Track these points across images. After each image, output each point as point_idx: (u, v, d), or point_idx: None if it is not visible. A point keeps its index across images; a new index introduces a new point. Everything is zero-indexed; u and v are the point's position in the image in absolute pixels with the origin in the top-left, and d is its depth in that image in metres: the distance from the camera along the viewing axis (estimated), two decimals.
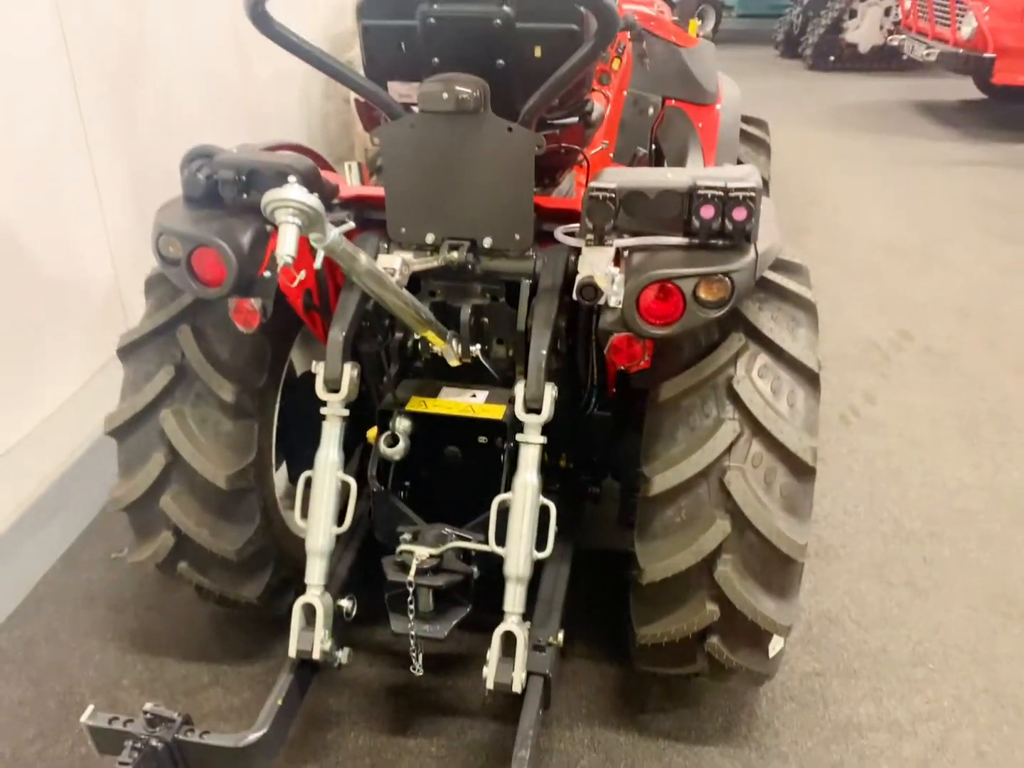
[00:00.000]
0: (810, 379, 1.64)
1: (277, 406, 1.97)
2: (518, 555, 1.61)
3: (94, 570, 2.42)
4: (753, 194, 1.46)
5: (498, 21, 1.62)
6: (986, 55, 6.80)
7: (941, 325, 3.88)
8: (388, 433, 1.78)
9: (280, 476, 2.08)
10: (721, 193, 1.46)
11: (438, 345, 1.73)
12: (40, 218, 2.44)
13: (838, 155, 6.81)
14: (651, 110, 3.12)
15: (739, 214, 1.46)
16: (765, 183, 3.34)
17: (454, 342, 1.75)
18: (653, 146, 3.21)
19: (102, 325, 2.73)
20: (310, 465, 1.75)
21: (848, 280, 4.37)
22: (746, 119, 3.44)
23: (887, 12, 10.00)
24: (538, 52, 1.67)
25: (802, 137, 7.23)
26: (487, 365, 1.82)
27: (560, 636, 1.76)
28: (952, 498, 2.71)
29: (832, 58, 10.33)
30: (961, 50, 7.07)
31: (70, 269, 2.60)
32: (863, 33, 10.23)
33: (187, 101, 3.23)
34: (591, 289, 1.52)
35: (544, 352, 1.64)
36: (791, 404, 1.61)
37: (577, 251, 1.62)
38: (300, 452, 1.98)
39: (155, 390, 1.78)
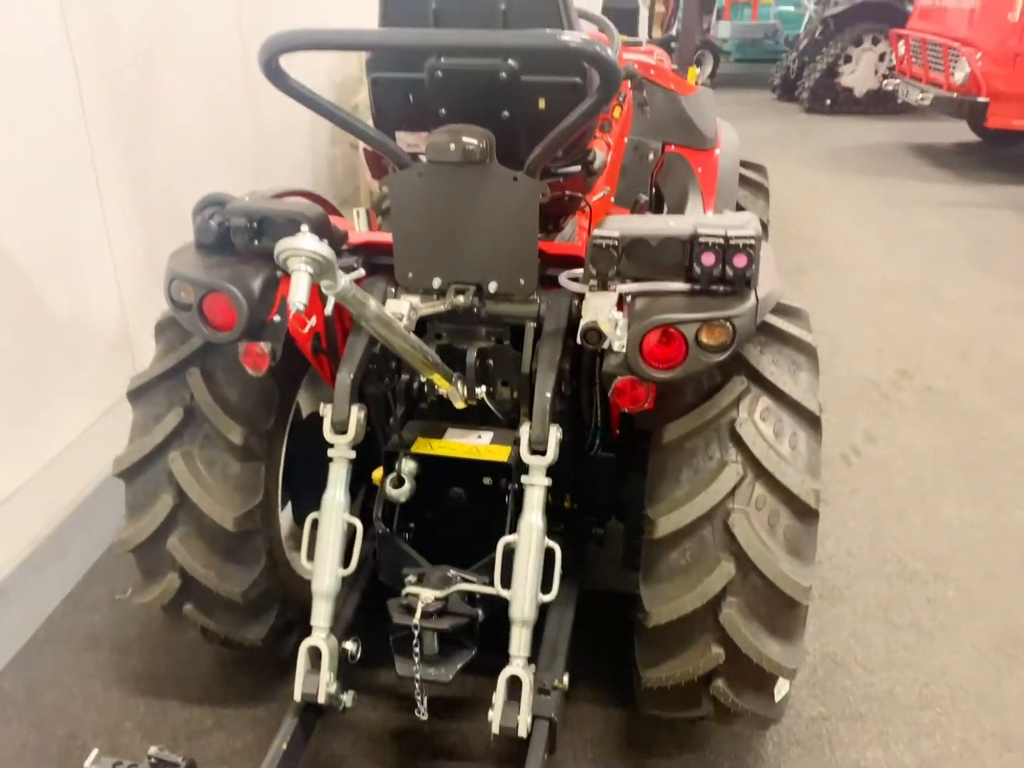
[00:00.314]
0: (811, 422, 1.66)
1: (284, 447, 2.00)
2: (523, 598, 1.61)
3: (97, 612, 2.42)
4: (753, 242, 1.50)
5: (503, 74, 1.67)
6: (980, 99, 6.92)
7: (940, 364, 3.91)
8: (394, 475, 1.80)
9: (285, 516, 2.09)
10: (722, 241, 1.50)
11: (444, 387, 1.75)
12: (50, 259, 2.48)
13: (835, 196, 6.91)
14: (651, 155, 3.18)
15: (739, 261, 1.50)
16: (764, 226, 3.40)
17: (459, 384, 1.78)
18: (653, 190, 3.27)
19: (109, 367, 2.76)
20: (315, 505, 1.76)
21: (847, 319, 4.41)
22: (745, 164, 3.51)
23: (881, 57, 10.22)
24: (542, 104, 1.72)
25: (800, 178, 7.34)
26: (492, 407, 1.85)
27: (565, 679, 1.76)
28: (956, 538, 2.71)
29: (828, 101, 10.52)
30: (955, 94, 7.20)
31: (79, 311, 2.63)
32: (858, 77, 10.44)
33: (196, 145, 3.30)
34: (595, 333, 1.55)
35: (548, 395, 1.67)
36: (793, 447, 1.63)
37: (581, 295, 1.65)
38: (305, 492, 2.00)
39: (164, 432, 1.80)
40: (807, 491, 1.59)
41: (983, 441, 3.26)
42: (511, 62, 1.65)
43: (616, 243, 1.55)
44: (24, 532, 2.37)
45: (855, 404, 3.55)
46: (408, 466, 1.81)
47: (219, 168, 3.51)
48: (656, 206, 3.36)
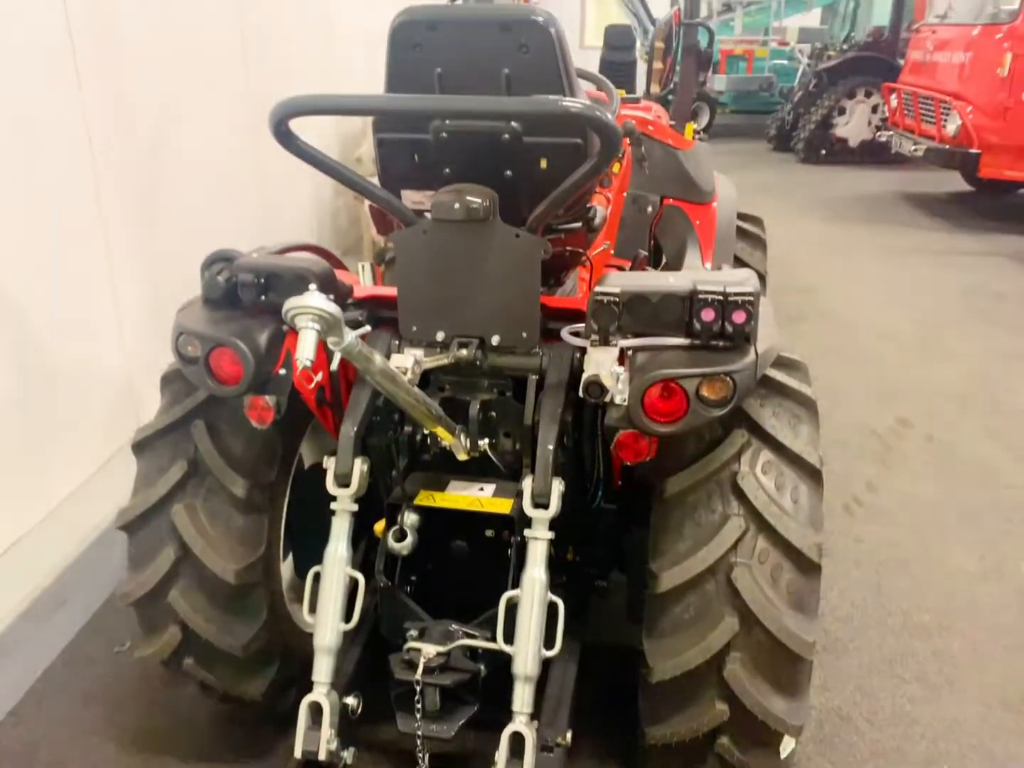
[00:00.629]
0: (812, 475, 1.67)
1: (286, 498, 2.00)
2: (526, 654, 1.60)
3: (96, 665, 2.40)
4: (752, 298, 1.52)
5: (506, 136, 1.71)
6: (972, 151, 7.06)
7: (941, 413, 3.93)
8: (396, 528, 1.80)
9: (286, 567, 2.08)
10: (721, 297, 1.52)
11: (447, 440, 1.77)
12: (55, 309, 2.51)
13: (832, 244, 6.99)
14: (650, 208, 3.24)
15: (739, 317, 1.52)
16: (762, 277, 3.45)
17: (462, 436, 1.79)
18: (652, 243, 3.33)
19: (113, 417, 2.77)
20: (316, 556, 1.76)
21: (847, 368, 4.43)
22: (742, 216, 3.56)
23: (874, 109, 10.44)
24: (544, 164, 1.76)
25: (797, 227, 7.45)
26: (494, 459, 1.85)
27: (568, 736, 1.74)
28: (960, 590, 2.70)
29: (823, 152, 10.72)
30: (947, 146, 7.34)
31: (83, 360, 2.66)
32: (852, 129, 10.65)
33: (204, 197, 3.36)
34: (597, 387, 1.57)
35: (551, 447, 1.68)
36: (795, 500, 1.64)
37: (582, 349, 1.67)
38: (307, 543, 2.00)
39: (168, 484, 1.81)
40: (809, 545, 1.59)
41: (985, 491, 3.25)
42: (514, 124, 1.69)
43: (617, 299, 1.58)
44: (23, 583, 2.36)
45: (856, 453, 3.55)
46: (410, 518, 1.82)
47: (225, 219, 3.57)
48: (655, 258, 3.41)
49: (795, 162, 10.91)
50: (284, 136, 1.58)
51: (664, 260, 3.39)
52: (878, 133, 9.45)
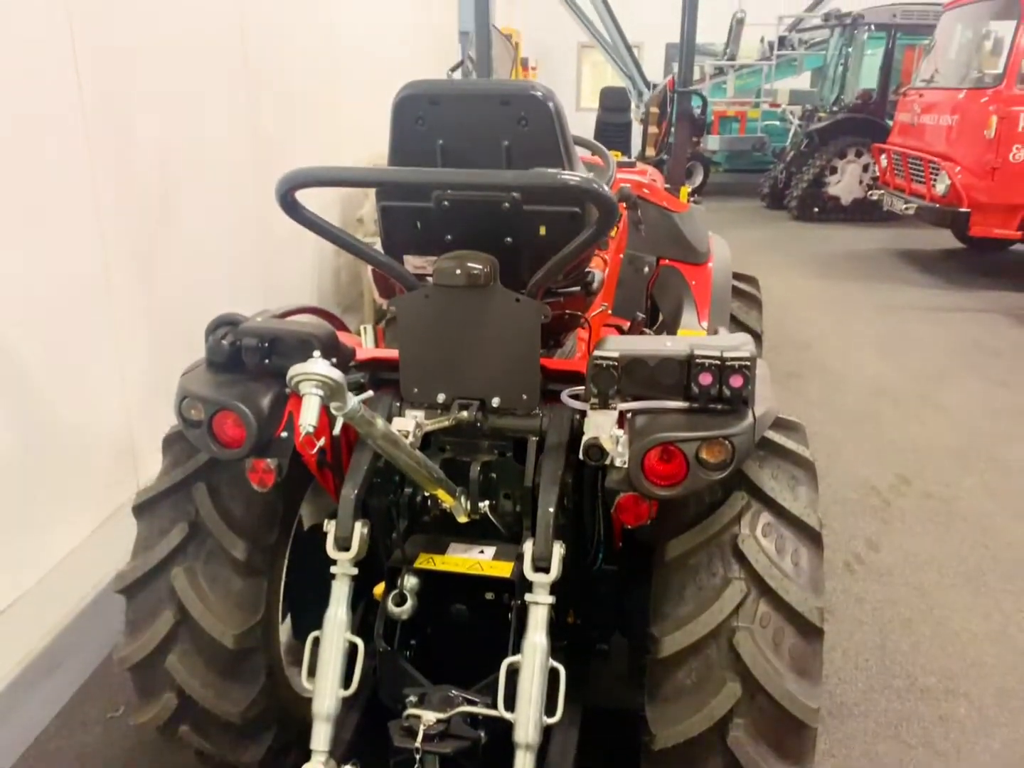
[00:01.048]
0: (812, 538, 1.67)
1: (286, 560, 1.99)
2: (528, 722, 1.58)
3: (89, 732, 2.36)
4: (748, 362, 1.55)
5: (507, 204, 1.75)
6: (962, 210, 7.20)
7: (939, 470, 3.93)
8: (396, 592, 1.79)
9: (284, 629, 2.07)
10: (718, 362, 1.55)
11: (447, 503, 1.77)
12: (59, 367, 2.53)
13: (827, 301, 7.08)
14: (647, 269, 3.30)
15: (736, 381, 1.54)
16: (758, 336, 3.50)
17: (463, 499, 1.79)
18: (649, 302, 3.38)
19: (112, 477, 2.77)
20: (315, 619, 1.74)
21: (844, 424, 4.45)
22: (737, 276, 3.62)
23: (865, 168, 10.67)
24: (543, 231, 1.80)
25: (792, 283, 7.55)
26: (495, 521, 1.86)
27: None
28: (965, 651, 2.67)
29: (816, 209, 10.92)
30: (938, 205, 7.48)
31: (85, 419, 2.67)
32: (844, 187, 10.87)
33: (207, 256, 3.41)
34: (597, 450, 1.58)
35: (552, 510, 1.68)
36: (795, 563, 1.63)
37: (582, 411, 1.69)
38: (305, 605, 1.99)
39: (168, 547, 1.80)
40: (811, 609, 1.58)
41: (986, 550, 3.24)
42: (514, 194, 1.74)
43: (616, 363, 1.60)
44: (18, 647, 2.34)
45: (856, 510, 3.55)
46: (410, 582, 1.81)
47: (229, 277, 3.62)
48: (652, 317, 3.46)
49: (788, 220, 11.10)
50: (290, 206, 1.62)
51: (661, 318, 3.44)
52: (869, 192, 9.64)
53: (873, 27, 10.96)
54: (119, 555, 2.48)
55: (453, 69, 3.28)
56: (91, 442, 2.70)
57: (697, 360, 1.56)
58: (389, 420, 1.80)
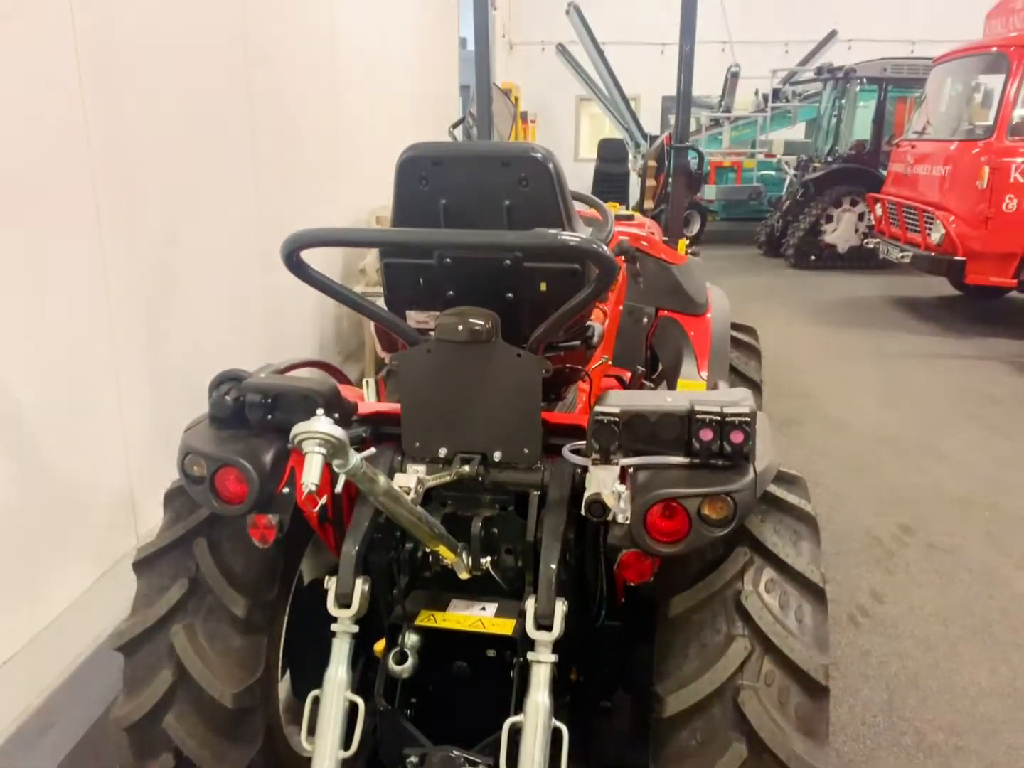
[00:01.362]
0: (816, 594, 1.66)
1: (286, 616, 1.98)
2: None
3: None
4: (748, 418, 1.55)
5: (508, 261, 1.78)
6: (957, 258, 7.29)
7: (942, 519, 3.91)
8: (397, 650, 1.77)
9: (283, 686, 2.04)
10: (718, 417, 1.56)
11: (449, 559, 1.76)
12: (61, 420, 2.53)
13: (826, 348, 7.12)
14: (646, 320, 3.33)
15: (736, 437, 1.55)
16: (758, 387, 3.51)
17: (464, 555, 1.79)
18: (649, 352, 3.40)
19: (111, 532, 2.76)
20: (314, 676, 1.72)
21: (845, 473, 4.44)
22: (736, 326, 3.65)
23: (861, 216, 10.82)
24: (544, 287, 1.82)
25: (790, 330, 7.60)
26: (496, 577, 1.85)
27: None
28: (973, 706, 2.63)
29: (813, 257, 11.05)
30: (933, 254, 7.57)
31: (85, 473, 2.66)
32: (840, 235, 11.01)
33: (211, 307, 3.44)
34: (599, 506, 1.58)
35: (554, 566, 1.67)
36: (799, 620, 1.62)
37: (584, 465, 1.69)
38: (305, 661, 1.96)
39: (168, 604, 1.79)
40: (816, 667, 1.57)
41: (991, 601, 3.22)
42: (515, 251, 1.77)
43: (616, 419, 1.61)
44: (11, 706, 2.30)
45: (859, 560, 3.52)
46: (411, 640, 1.79)
47: (231, 325, 3.65)
48: (652, 367, 3.48)
49: (785, 267, 11.22)
50: (295, 266, 1.65)
51: (660, 368, 3.47)
52: (865, 240, 9.77)
53: (865, 80, 11.21)
54: (117, 610, 2.48)
55: (454, 126, 3.36)
56: (90, 494, 2.70)
57: (698, 416, 1.57)
58: (391, 474, 1.80)
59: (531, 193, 1.76)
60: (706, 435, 1.56)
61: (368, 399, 2.21)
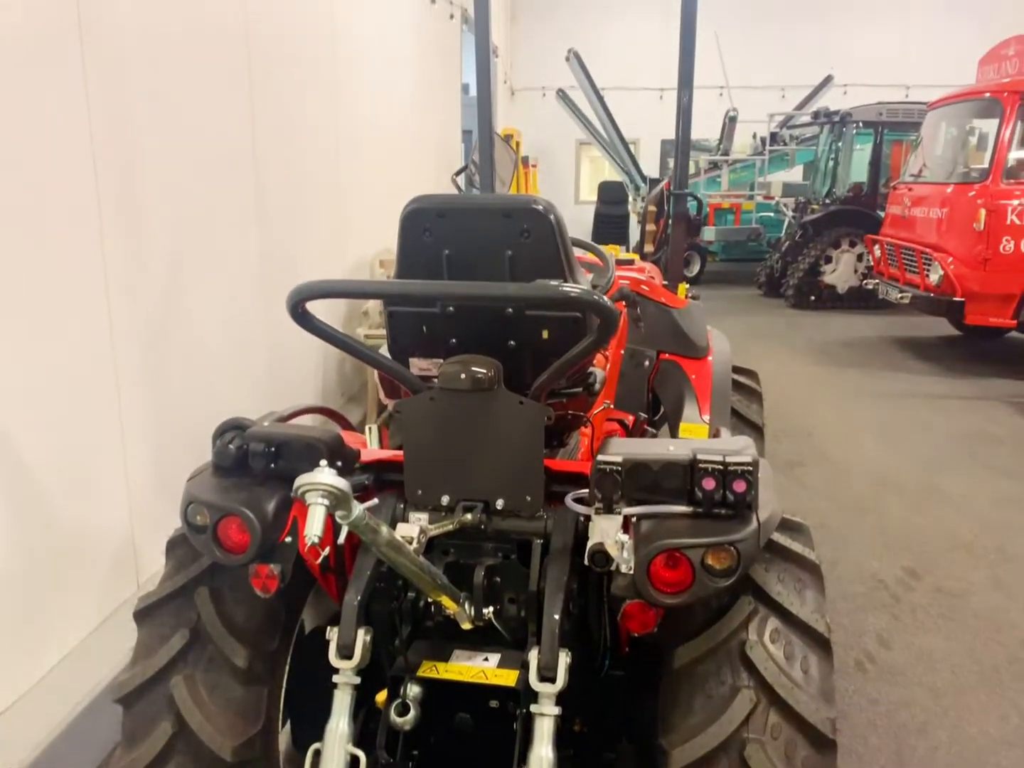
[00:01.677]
0: (821, 644, 1.64)
1: (287, 666, 1.96)
2: None
3: None
4: (751, 467, 1.56)
5: (510, 310, 1.81)
6: (956, 299, 7.33)
7: (948, 562, 3.89)
8: (399, 701, 1.76)
9: (283, 736, 2.01)
10: (721, 467, 1.56)
11: (451, 609, 1.75)
12: (63, 464, 2.53)
13: (827, 388, 7.13)
14: (647, 363, 3.35)
15: (739, 486, 1.55)
16: (760, 429, 3.51)
17: (467, 605, 1.78)
18: (651, 395, 3.41)
19: (111, 578, 2.75)
20: (315, 725, 1.70)
21: (849, 515, 4.42)
22: (737, 369, 3.67)
23: (860, 257, 10.90)
24: (545, 335, 1.84)
25: (790, 370, 7.62)
26: (499, 627, 1.83)
27: None
28: (984, 757, 2.59)
29: (813, 298, 11.11)
30: (932, 294, 7.62)
31: (87, 519, 2.65)
32: (839, 276, 11.09)
33: (214, 350, 3.46)
34: (602, 556, 1.58)
35: (557, 617, 1.66)
36: (805, 670, 1.61)
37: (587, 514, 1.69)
38: (305, 711, 1.94)
39: (169, 654, 1.78)
40: (823, 720, 1.55)
41: (999, 647, 3.18)
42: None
43: (619, 467, 1.61)
44: (8, 758, 2.27)
45: (865, 605, 3.48)
46: (413, 691, 1.77)
47: (235, 367, 3.66)
48: (653, 409, 3.49)
49: (785, 307, 11.28)
50: (301, 317, 1.67)
51: (662, 410, 3.48)
52: (865, 281, 9.83)
53: (861, 124, 11.39)
54: (116, 658, 2.46)
55: (457, 174, 3.42)
56: (92, 539, 2.69)
57: (700, 465, 1.57)
58: (393, 523, 1.80)
59: (533, 244, 1.78)
60: (709, 484, 1.56)
61: (371, 445, 2.22)
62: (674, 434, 3.12)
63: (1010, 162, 7.25)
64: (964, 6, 14.36)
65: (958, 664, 3.08)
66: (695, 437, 3.06)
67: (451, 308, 1.84)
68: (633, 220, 13.94)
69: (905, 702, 2.85)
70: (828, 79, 13.43)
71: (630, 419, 2.91)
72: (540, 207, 1.77)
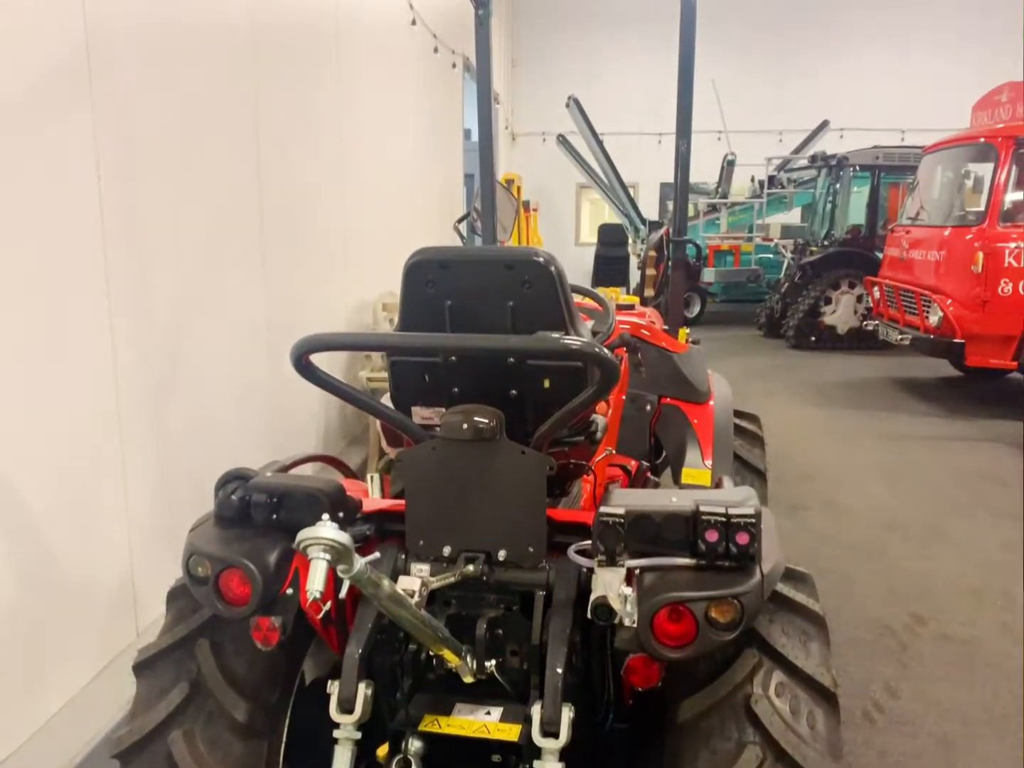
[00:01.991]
0: (827, 698, 1.62)
1: (287, 719, 1.93)
2: None
3: None
4: (753, 519, 1.55)
5: (512, 360, 1.82)
6: (956, 341, 7.35)
7: (955, 608, 3.84)
8: (400, 757, 1.73)
9: None
10: (723, 519, 1.56)
11: (453, 663, 1.74)
12: (63, 514, 2.53)
13: (828, 430, 7.12)
14: (649, 407, 3.36)
15: (742, 539, 1.55)
16: (762, 474, 3.51)
17: (469, 658, 1.76)
18: (653, 439, 3.41)
19: (111, 627, 2.72)
20: None
21: (854, 559, 4.38)
22: (739, 414, 3.67)
23: (859, 299, 10.96)
24: (547, 384, 1.86)
25: (792, 412, 7.61)
26: (501, 680, 1.81)
27: None
28: None
29: (813, 339, 11.15)
30: (932, 336, 7.64)
31: (86, 569, 2.64)
32: (839, 317, 11.14)
33: (216, 395, 3.47)
34: (605, 609, 1.57)
35: (560, 671, 1.65)
36: (811, 726, 1.58)
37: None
38: (305, 764, 1.91)
39: (168, 708, 1.75)
40: None
41: (1009, 696, 3.13)
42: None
43: (622, 519, 1.61)
44: None
45: (871, 652, 3.44)
46: (414, 746, 1.75)
47: (237, 410, 3.67)
48: (656, 453, 3.49)
49: (786, 348, 11.31)
50: (304, 369, 1.69)
51: (664, 454, 3.48)
52: (864, 322, 9.87)
53: (858, 167, 11.53)
54: (114, 709, 2.43)
55: (460, 221, 3.46)
56: (92, 588, 2.67)
57: (703, 517, 1.57)
58: (395, 574, 1.80)
59: (534, 295, 1.80)
60: (712, 536, 1.56)
61: (372, 494, 2.21)
62: (676, 480, 3.12)
63: (1006, 205, 7.34)
64: (958, 52, 14.65)
65: (968, 714, 3.03)
66: (698, 483, 3.06)
67: (453, 358, 1.85)
68: (633, 262, 14.07)
69: (915, 753, 2.80)
70: (824, 124, 13.65)
71: (632, 464, 2.91)
72: (541, 259, 1.79)
